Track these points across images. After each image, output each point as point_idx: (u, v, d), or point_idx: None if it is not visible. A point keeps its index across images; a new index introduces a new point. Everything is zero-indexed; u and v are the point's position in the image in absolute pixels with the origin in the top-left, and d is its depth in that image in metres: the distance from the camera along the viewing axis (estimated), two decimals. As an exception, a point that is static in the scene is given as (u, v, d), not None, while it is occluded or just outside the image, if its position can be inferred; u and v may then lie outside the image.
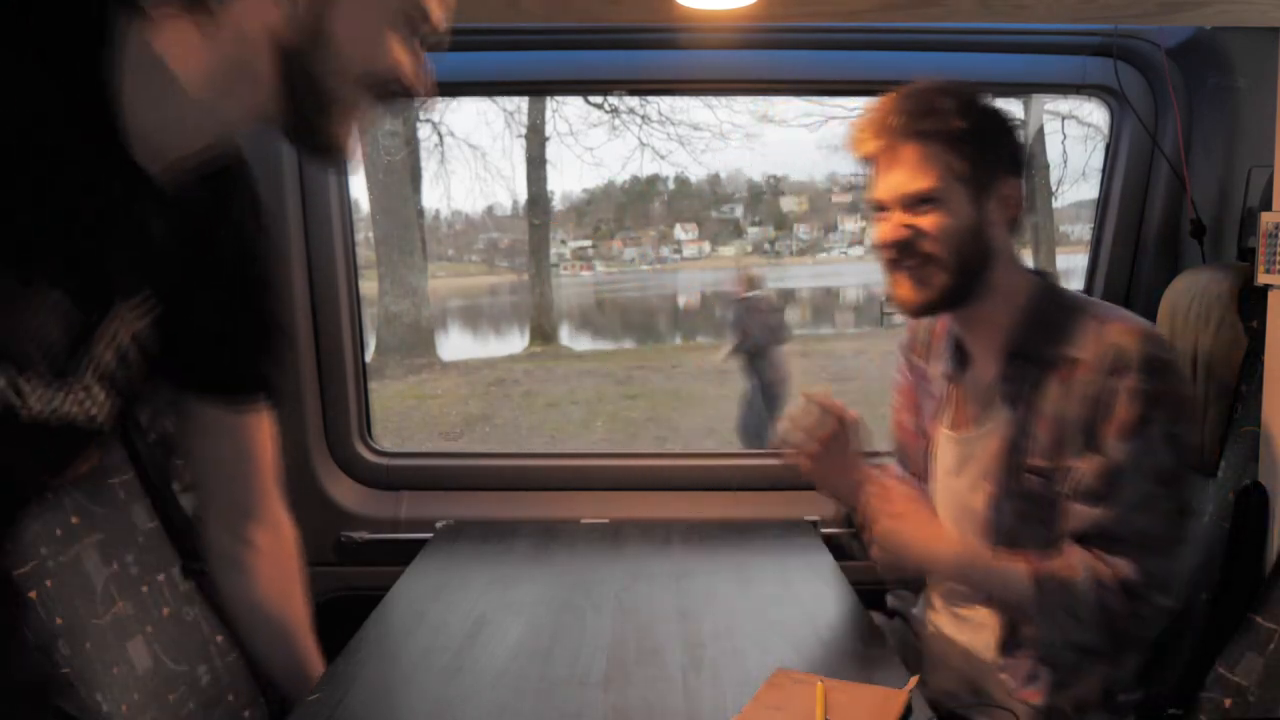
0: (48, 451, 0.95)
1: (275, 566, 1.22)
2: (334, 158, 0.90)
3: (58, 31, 0.78)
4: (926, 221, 1.25)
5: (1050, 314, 1.29)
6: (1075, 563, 1.22)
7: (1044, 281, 1.33)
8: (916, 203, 1.25)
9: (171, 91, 0.82)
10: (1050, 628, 1.24)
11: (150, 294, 0.94)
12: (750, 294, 6.46)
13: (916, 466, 1.51)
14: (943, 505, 1.43)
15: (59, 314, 0.85)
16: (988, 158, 1.26)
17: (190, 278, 0.97)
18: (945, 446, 1.42)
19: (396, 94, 0.89)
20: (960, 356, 1.40)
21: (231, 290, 1.04)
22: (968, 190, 1.26)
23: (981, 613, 1.37)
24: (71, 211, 0.82)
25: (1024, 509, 1.29)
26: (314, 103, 0.86)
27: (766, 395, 6.17)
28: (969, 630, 1.39)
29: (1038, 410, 1.27)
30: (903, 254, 1.27)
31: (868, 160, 1.31)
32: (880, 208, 1.30)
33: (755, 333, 6.16)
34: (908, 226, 1.26)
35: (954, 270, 1.26)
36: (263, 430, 1.14)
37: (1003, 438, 1.31)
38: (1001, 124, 1.30)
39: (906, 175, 1.26)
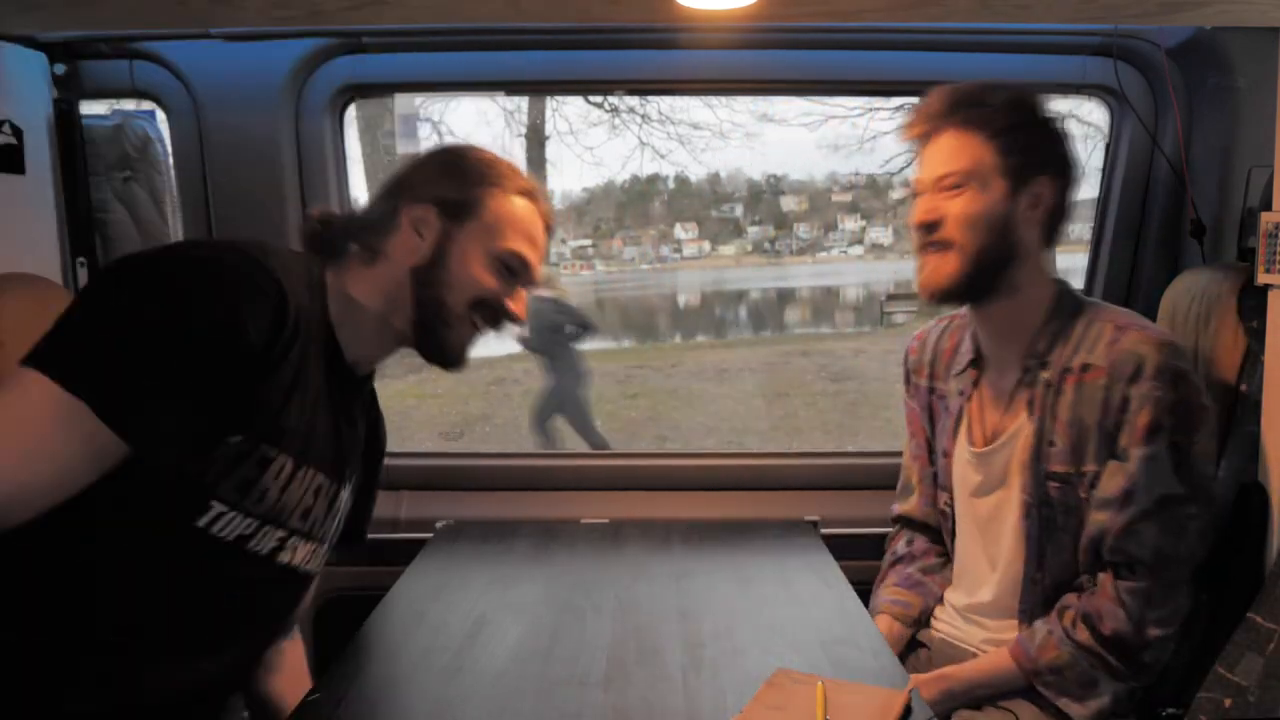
0: (297, 594, 1.24)
1: (294, 669, 1.38)
2: (451, 363, 1.22)
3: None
4: (953, 206, 1.27)
5: (1069, 320, 1.30)
6: (1057, 640, 1.25)
7: (1065, 288, 1.34)
8: (947, 186, 1.27)
9: (359, 313, 1.17)
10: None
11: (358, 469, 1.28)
12: (545, 295, 6.40)
13: (937, 488, 1.51)
14: (968, 523, 1.43)
15: (320, 490, 1.17)
16: (1025, 153, 1.27)
17: (369, 454, 1.33)
18: (966, 465, 1.42)
19: (499, 318, 1.22)
20: (979, 365, 1.41)
21: (374, 466, 1.38)
22: (999, 181, 1.27)
23: (995, 624, 1.38)
24: (317, 404, 1.12)
25: (1048, 516, 1.30)
26: (435, 316, 1.18)
27: (558, 394, 6.17)
28: (978, 638, 1.39)
29: (1056, 416, 1.28)
30: (927, 235, 1.29)
31: (915, 144, 1.34)
32: (918, 191, 1.32)
33: (543, 333, 6.16)
34: (935, 209, 1.28)
35: (971, 258, 1.27)
36: None
37: (1024, 446, 1.31)
38: (1046, 125, 1.30)
39: (942, 158, 1.28)
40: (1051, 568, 1.32)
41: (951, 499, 1.46)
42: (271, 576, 1.14)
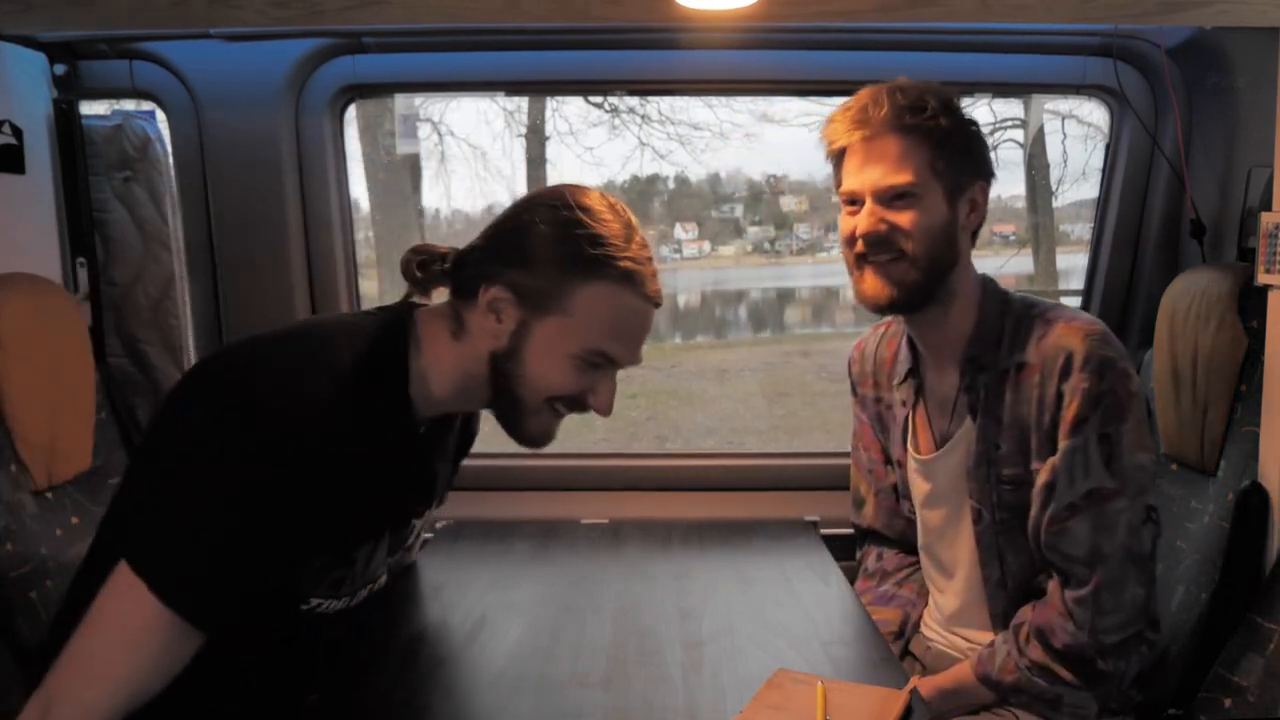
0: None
1: None
2: (531, 444, 1.13)
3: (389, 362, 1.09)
4: (903, 217, 1.24)
5: (1000, 319, 1.29)
6: (1015, 663, 1.23)
7: (992, 284, 1.32)
8: (894, 197, 1.24)
9: (435, 383, 1.10)
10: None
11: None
12: None
13: (898, 497, 1.50)
14: (925, 531, 1.43)
15: (397, 538, 1.20)
16: (964, 159, 1.26)
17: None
18: (915, 474, 1.41)
19: (581, 408, 1.11)
20: (918, 374, 1.39)
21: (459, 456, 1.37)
22: (942, 189, 1.25)
23: (971, 631, 1.38)
24: (389, 456, 1.09)
25: (1005, 521, 1.28)
26: (510, 406, 1.10)
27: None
28: (962, 646, 1.39)
29: (998, 419, 1.27)
30: (875, 248, 1.25)
31: (840, 152, 1.29)
32: (853, 201, 1.28)
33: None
34: (884, 221, 1.24)
35: (925, 269, 1.25)
36: None
37: (970, 451, 1.30)
38: (975, 129, 1.29)
39: (886, 168, 1.24)
40: (1015, 571, 1.30)
41: (914, 507, 1.45)
42: (361, 606, 1.19)
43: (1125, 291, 1.89)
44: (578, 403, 1.10)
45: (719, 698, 1.06)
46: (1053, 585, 1.25)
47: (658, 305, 1.11)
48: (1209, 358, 1.44)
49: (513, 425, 1.12)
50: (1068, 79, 1.81)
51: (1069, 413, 1.20)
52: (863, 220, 1.26)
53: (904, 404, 1.42)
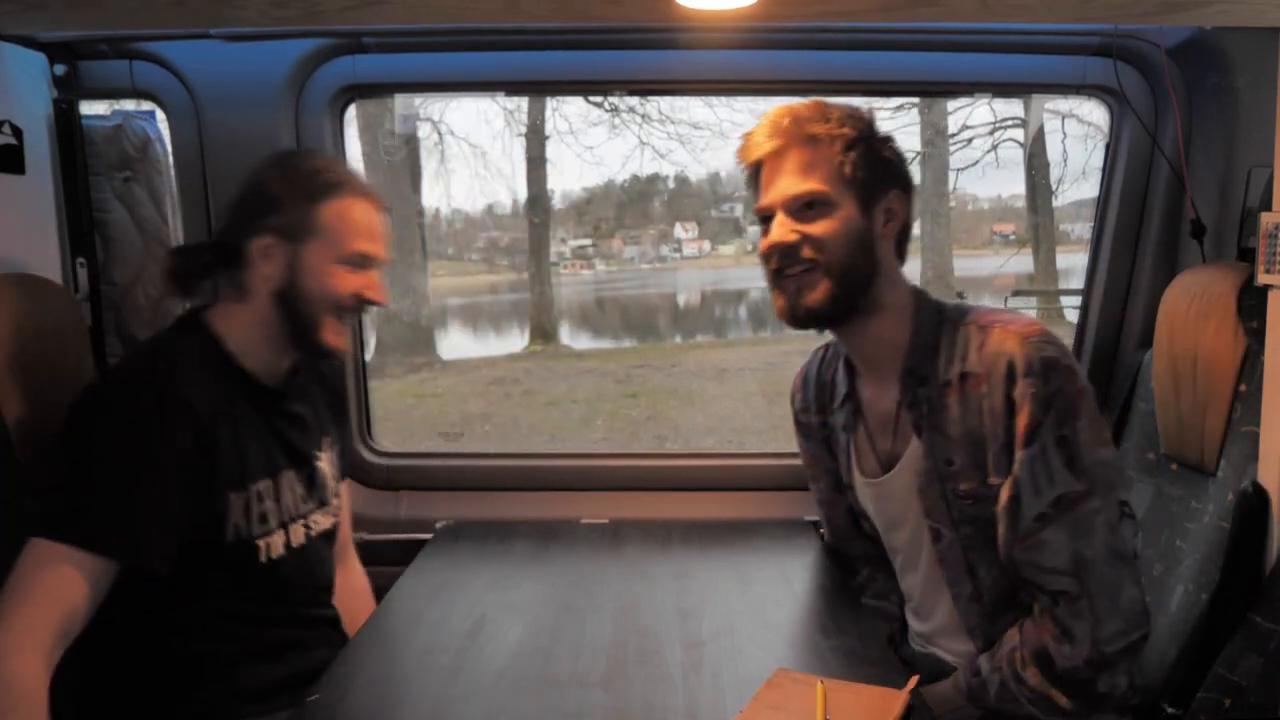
0: (331, 547, 1.49)
1: (352, 599, 1.57)
2: (332, 355, 1.37)
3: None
4: (814, 227, 1.23)
5: (935, 329, 1.27)
6: (1013, 691, 1.20)
7: (924, 296, 1.31)
8: (804, 206, 1.24)
9: (251, 343, 1.33)
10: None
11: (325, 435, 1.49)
12: None
13: (849, 522, 1.49)
14: (890, 552, 1.41)
15: (300, 478, 1.40)
16: (875, 168, 1.25)
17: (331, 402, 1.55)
18: (868, 498, 1.38)
19: (362, 306, 1.35)
20: (856, 394, 1.37)
21: (336, 403, 1.59)
22: (855, 198, 1.24)
23: (952, 645, 1.35)
24: (253, 429, 1.32)
25: (970, 536, 1.26)
26: (306, 327, 1.32)
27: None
28: (953, 660, 1.37)
29: (945, 433, 1.24)
30: (788, 260, 1.25)
31: (757, 168, 1.29)
32: (767, 216, 1.28)
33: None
34: (795, 231, 1.24)
35: (839, 278, 1.24)
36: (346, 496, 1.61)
37: (920, 470, 1.27)
38: (887, 139, 1.29)
39: (795, 178, 1.24)
40: (989, 584, 1.26)
41: (874, 526, 1.42)
42: (310, 549, 1.39)
43: (1125, 291, 1.89)
44: (360, 301, 1.34)
45: (719, 698, 1.06)
46: (1038, 608, 1.20)
47: (376, 200, 1.36)
48: (1209, 358, 1.44)
49: (311, 344, 1.33)
50: (1068, 79, 1.81)
51: (1020, 421, 1.17)
52: (774, 232, 1.25)
53: (845, 428, 1.40)
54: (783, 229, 1.24)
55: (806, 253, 1.24)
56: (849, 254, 1.24)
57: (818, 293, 1.24)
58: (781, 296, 1.28)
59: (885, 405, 1.32)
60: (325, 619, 1.43)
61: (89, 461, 1.17)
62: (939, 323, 1.27)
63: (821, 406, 1.47)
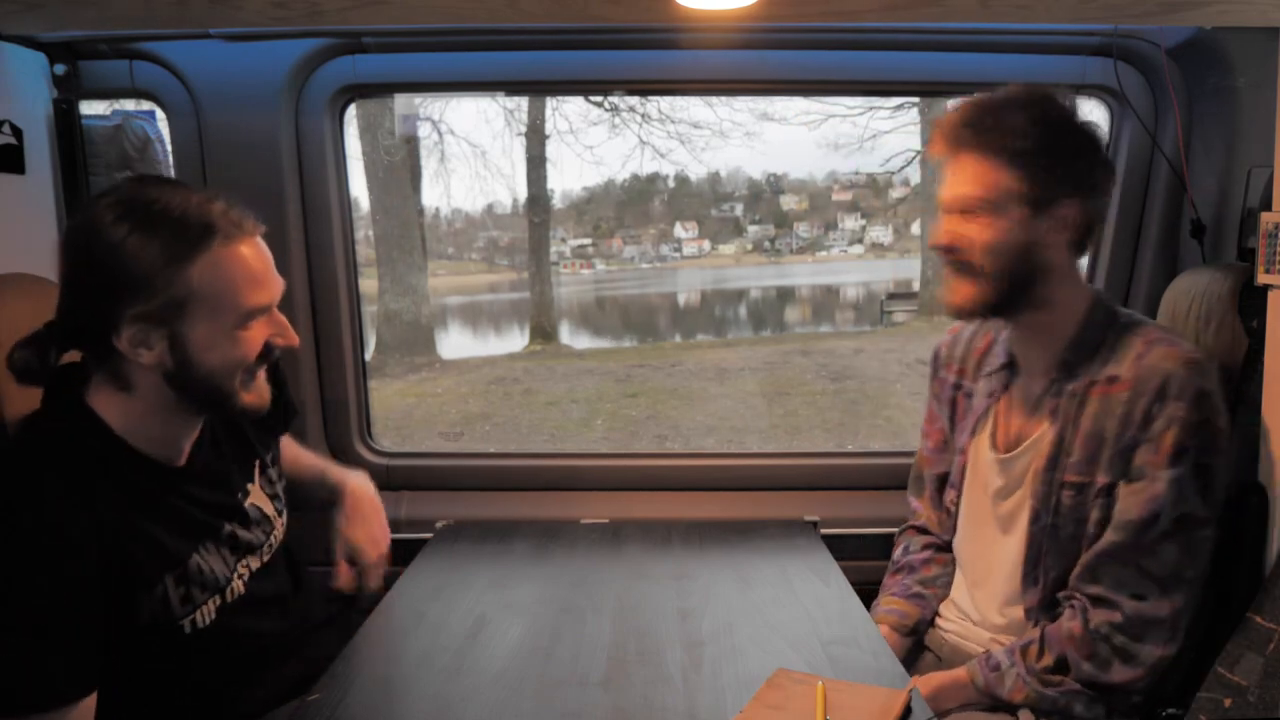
0: (283, 563, 1.33)
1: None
2: (254, 410, 1.17)
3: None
4: (972, 229, 1.27)
5: (1101, 331, 1.30)
6: (1034, 692, 1.25)
7: (1101, 299, 1.34)
8: (966, 210, 1.27)
9: (147, 429, 1.12)
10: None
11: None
12: None
13: (946, 485, 1.51)
14: (978, 523, 1.43)
15: (233, 537, 1.22)
16: (1048, 179, 1.25)
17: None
18: (988, 467, 1.42)
19: (271, 354, 1.15)
20: (1011, 369, 1.41)
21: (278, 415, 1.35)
22: (1020, 206, 1.25)
23: (1002, 621, 1.38)
24: (160, 509, 1.12)
25: (1055, 524, 1.30)
26: (216, 399, 1.12)
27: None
28: (984, 637, 1.39)
29: (1078, 427, 1.28)
30: (946, 257, 1.31)
31: (940, 160, 1.33)
32: (940, 209, 1.32)
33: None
34: (952, 232, 1.28)
35: (994, 281, 1.27)
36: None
37: (1044, 454, 1.32)
38: (1073, 144, 1.27)
39: (960, 181, 1.27)
40: (1050, 571, 1.31)
41: (959, 497, 1.46)
42: (248, 597, 1.21)
43: (1125, 291, 1.89)
44: (270, 350, 1.14)
45: (719, 698, 1.06)
46: (1093, 624, 1.24)
47: (253, 233, 1.12)
48: (1209, 358, 1.44)
49: (228, 410, 1.15)
50: (1068, 79, 1.81)
51: (1165, 440, 1.21)
52: (939, 230, 1.31)
53: (990, 395, 1.44)
54: (945, 228, 1.30)
55: (961, 254, 1.29)
56: (1003, 260, 1.27)
57: (966, 292, 1.30)
58: (944, 288, 1.34)
59: (1033, 389, 1.36)
60: (285, 630, 1.29)
61: None
62: (1108, 325, 1.31)
63: (962, 368, 1.51)
